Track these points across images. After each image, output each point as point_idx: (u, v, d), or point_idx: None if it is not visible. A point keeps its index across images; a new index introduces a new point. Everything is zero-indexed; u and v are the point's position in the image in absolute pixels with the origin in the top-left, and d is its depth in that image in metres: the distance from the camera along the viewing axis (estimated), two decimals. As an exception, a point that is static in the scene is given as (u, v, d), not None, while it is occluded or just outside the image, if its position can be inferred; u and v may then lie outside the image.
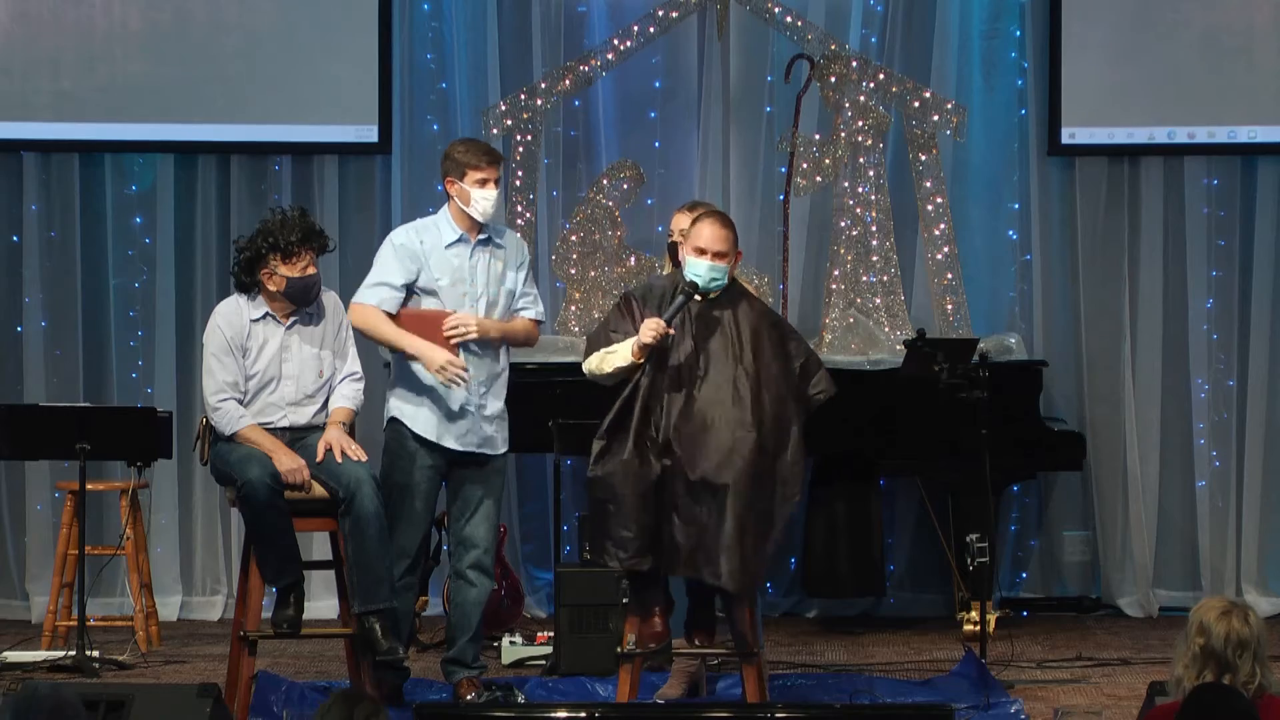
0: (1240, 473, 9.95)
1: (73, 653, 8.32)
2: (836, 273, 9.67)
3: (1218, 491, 9.97)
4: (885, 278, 9.65)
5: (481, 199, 7.56)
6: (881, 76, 9.71)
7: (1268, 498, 9.95)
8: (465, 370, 7.44)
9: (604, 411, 7.17)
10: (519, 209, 9.74)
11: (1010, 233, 10.06)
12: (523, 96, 9.74)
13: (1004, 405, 8.82)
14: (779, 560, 9.58)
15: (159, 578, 9.56)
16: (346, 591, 7.37)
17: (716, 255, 7.04)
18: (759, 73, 10.02)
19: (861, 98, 9.66)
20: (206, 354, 7.43)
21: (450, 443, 7.58)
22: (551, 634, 8.38)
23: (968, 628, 8.61)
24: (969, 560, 8.36)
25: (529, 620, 9.50)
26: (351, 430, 7.49)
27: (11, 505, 9.99)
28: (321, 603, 8.90)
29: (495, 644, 8.55)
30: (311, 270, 7.36)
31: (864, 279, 9.65)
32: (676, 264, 7.42)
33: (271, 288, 7.36)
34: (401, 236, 7.67)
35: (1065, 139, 9.91)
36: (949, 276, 9.68)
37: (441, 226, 7.66)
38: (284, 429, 7.39)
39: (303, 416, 7.41)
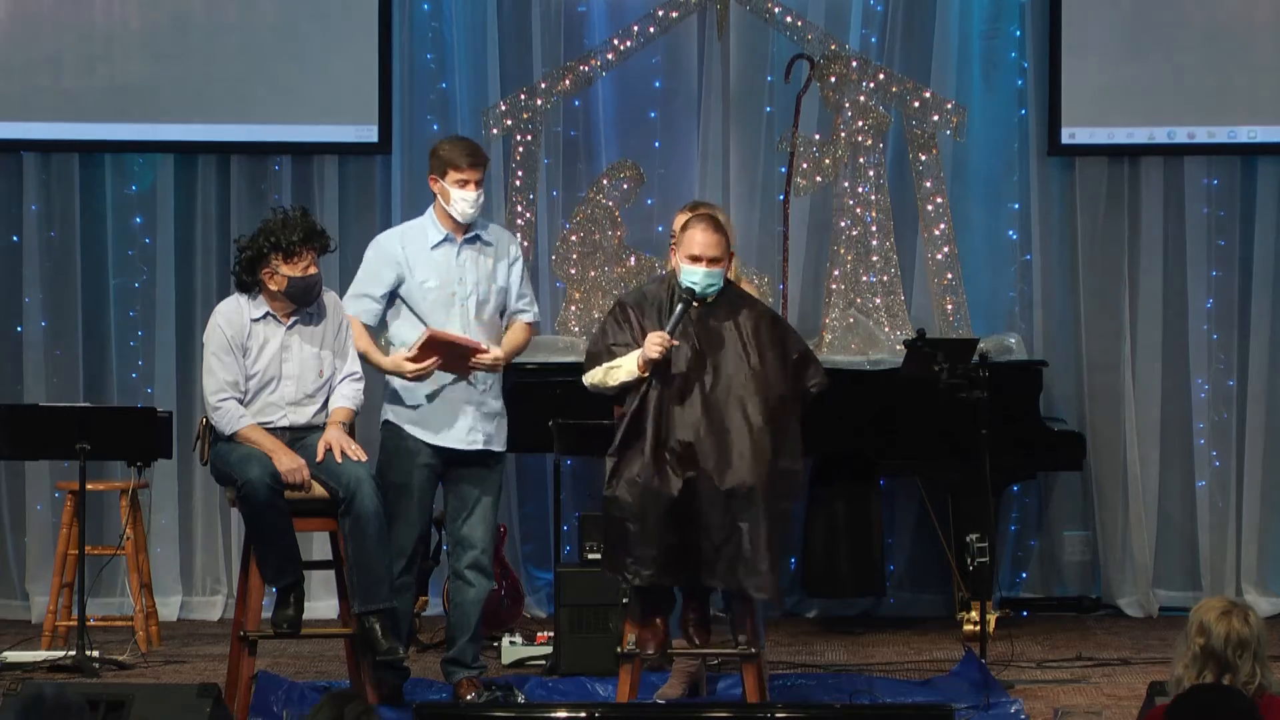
0: (1240, 473, 9.95)
1: (73, 653, 8.32)
2: (836, 273, 9.67)
3: (1218, 491, 9.97)
4: (885, 278, 9.65)
5: (460, 200, 7.56)
6: (881, 76, 9.71)
7: (1268, 498, 9.95)
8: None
9: (604, 412, 7.17)
10: (519, 209, 9.75)
11: (1010, 233, 10.05)
12: (523, 96, 9.74)
13: (1004, 405, 8.82)
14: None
15: (159, 578, 9.56)
16: (346, 591, 7.37)
17: (711, 261, 7.02)
18: (759, 73, 10.02)
19: (861, 98, 9.66)
20: (207, 353, 7.43)
21: (448, 442, 7.58)
22: (551, 634, 8.38)
23: (968, 628, 8.61)
24: (969, 560, 8.36)
25: (529, 620, 9.50)
26: (351, 430, 7.49)
27: (11, 505, 9.99)
28: (321, 603, 8.89)
29: (495, 644, 8.54)
30: (313, 270, 7.36)
31: (864, 279, 9.65)
32: None
33: (273, 287, 7.36)
34: (385, 242, 7.68)
35: (1065, 139, 9.91)
36: (949, 276, 9.68)
37: (427, 227, 7.67)
38: (284, 429, 7.38)
39: (303, 416, 7.41)
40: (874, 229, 9.65)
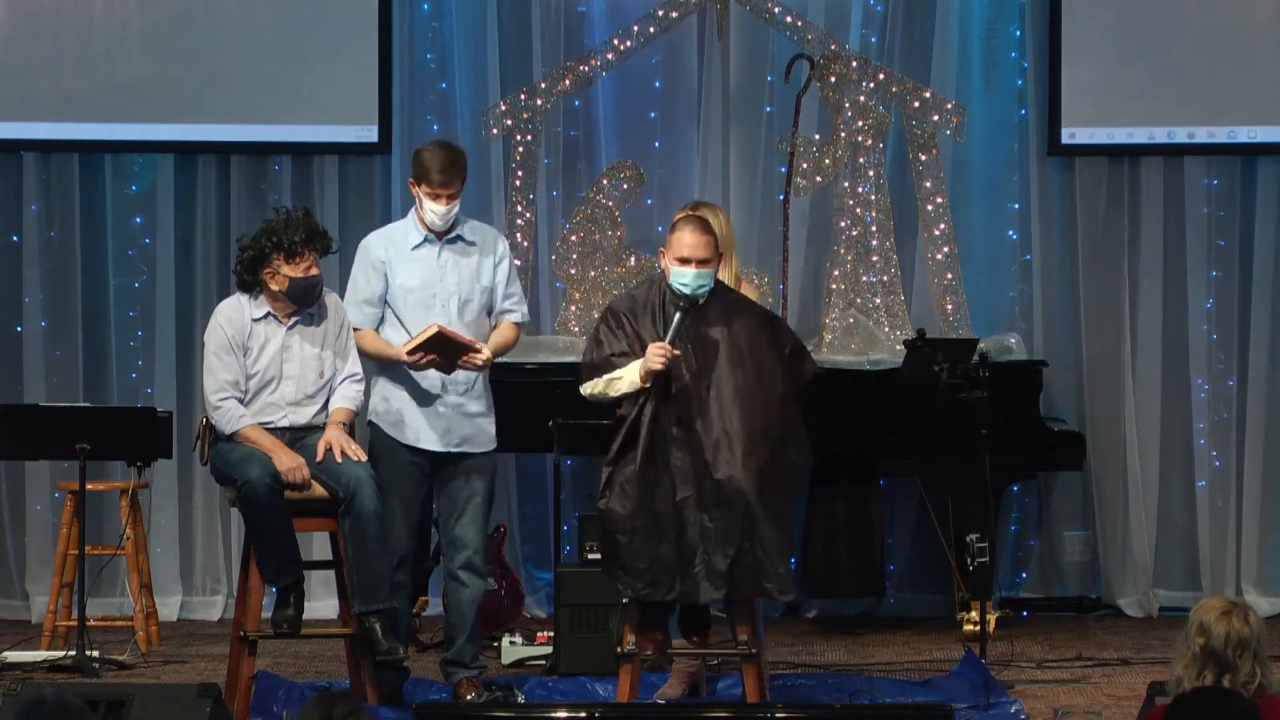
0: (1240, 473, 9.95)
1: (73, 653, 8.31)
2: (836, 273, 9.67)
3: (1218, 491, 9.97)
4: (885, 278, 9.65)
5: (430, 210, 7.57)
6: (881, 76, 9.71)
7: (1268, 498, 9.95)
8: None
9: (604, 412, 7.15)
10: (519, 209, 9.75)
11: (1010, 233, 10.06)
12: (523, 96, 9.74)
13: (1004, 405, 8.82)
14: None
15: (159, 578, 9.56)
16: (346, 591, 7.37)
17: (700, 262, 7.00)
18: (759, 73, 10.02)
19: (861, 98, 9.66)
20: (207, 352, 7.43)
21: (425, 444, 7.58)
22: (551, 634, 8.38)
23: (968, 628, 8.61)
24: (969, 560, 8.36)
25: (529, 620, 9.50)
26: (351, 430, 7.49)
27: (11, 505, 9.99)
28: (321, 603, 8.89)
29: (495, 644, 8.54)
30: (314, 271, 7.36)
31: (864, 279, 9.65)
32: None
33: (274, 287, 7.36)
34: (368, 246, 7.67)
35: (1065, 139, 9.91)
36: (949, 276, 9.68)
37: (408, 229, 7.67)
38: (284, 429, 7.38)
39: (303, 416, 7.41)
40: (874, 229, 9.65)
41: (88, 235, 9.99)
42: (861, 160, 9.65)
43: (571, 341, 9.46)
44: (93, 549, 8.85)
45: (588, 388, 7.06)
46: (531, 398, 8.85)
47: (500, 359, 9.11)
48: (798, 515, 7.11)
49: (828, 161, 9.66)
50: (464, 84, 10.02)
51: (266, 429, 7.33)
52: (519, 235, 9.71)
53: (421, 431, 7.58)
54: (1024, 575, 10.02)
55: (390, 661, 7.40)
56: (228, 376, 7.35)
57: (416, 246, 7.62)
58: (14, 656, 8.47)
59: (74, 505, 8.69)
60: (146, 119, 9.91)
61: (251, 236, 7.43)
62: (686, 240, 6.99)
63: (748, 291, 7.53)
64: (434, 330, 7.43)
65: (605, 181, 9.78)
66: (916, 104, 9.67)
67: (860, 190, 9.65)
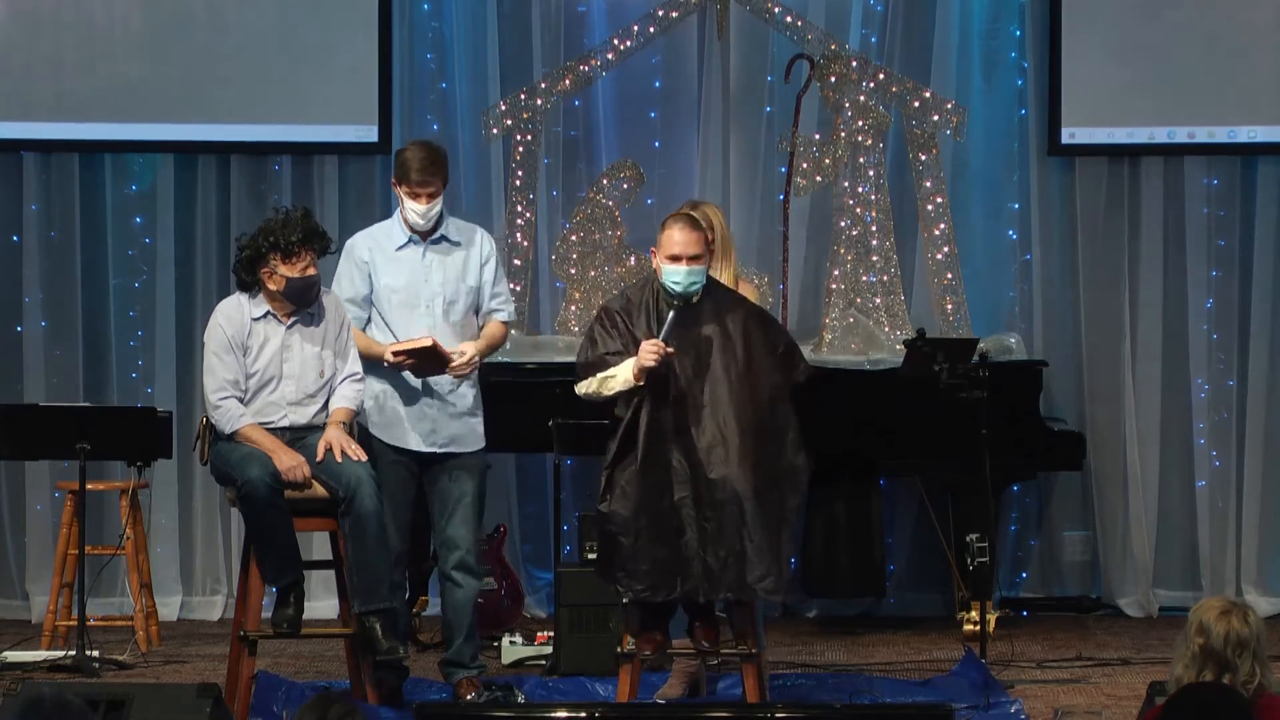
0: (1240, 473, 9.95)
1: (73, 653, 8.31)
2: (836, 273, 9.67)
3: (1218, 491, 9.97)
4: (885, 278, 9.65)
5: (410, 210, 7.58)
6: (881, 76, 9.71)
7: (1268, 498, 9.95)
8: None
9: (604, 412, 7.15)
10: (519, 209, 9.75)
11: (1010, 233, 10.06)
12: (523, 96, 9.74)
13: (1004, 405, 8.81)
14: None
15: (159, 578, 9.56)
16: (346, 591, 7.37)
17: (691, 259, 7.00)
18: (759, 73, 10.02)
19: (861, 98, 9.66)
20: (207, 352, 7.43)
21: (414, 444, 7.58)
22: (551, 634, 8.37)
23: (968, 628, 8.61)
24: (969, 560, 8.36)
25: (529, 620, 9.50)
26: (351, 430, 7.49)
27: (11, 505, 9.99)
28: (321, 603, 8.89)
29: (495, 644, 8.54)
30: (311, 271, 7.35)
31: (864, 279, 9.65)
32: None
33: (272, 287, 7.35)
34: (352, 246, 7.67)
35: (1065, 139, 9.91)
36: (949, 276, 9.68)
37: (393, 229, 7.68)
38: (284, 429, 7.38)
39: (303, 416, 7.40)
40: (874, 229, 9.65)
41: (88, 235, 9.99)
42: (861, 160, 9.65)
43: (571, 341, 9.45)
44: (93, 549, 8.86)
45: (582, 387, 7.07)
46: (531, 398, 8.85)
47: (501, 359, 9.15)
48: (798, 515, 7.07)
49: (828, 161, 9.66)
50: (464, 84, 10.02)
51: (267, 429, 7.33)
52: (519, 235, 9.72)
53: (407, 432, 7.58)
54: (1024, 575, 10.02)
55: (390, 661, 7.40)
56: (227, 376, 7.34)
57: (401, 247, 7.63)
58: (14, 656, 8.47)
59: (74, 505, 8.69)
60: (146, 119, 9.91)
61: (250, 236, 7.43)
62: (676, 237, 6.99)
63: (746, 291, 7.52)
64: (428, 342, 7.43)
65: (605, 181, 9.78)
66: (916, 104, 9.67)
67: (860, 190, 9.65)
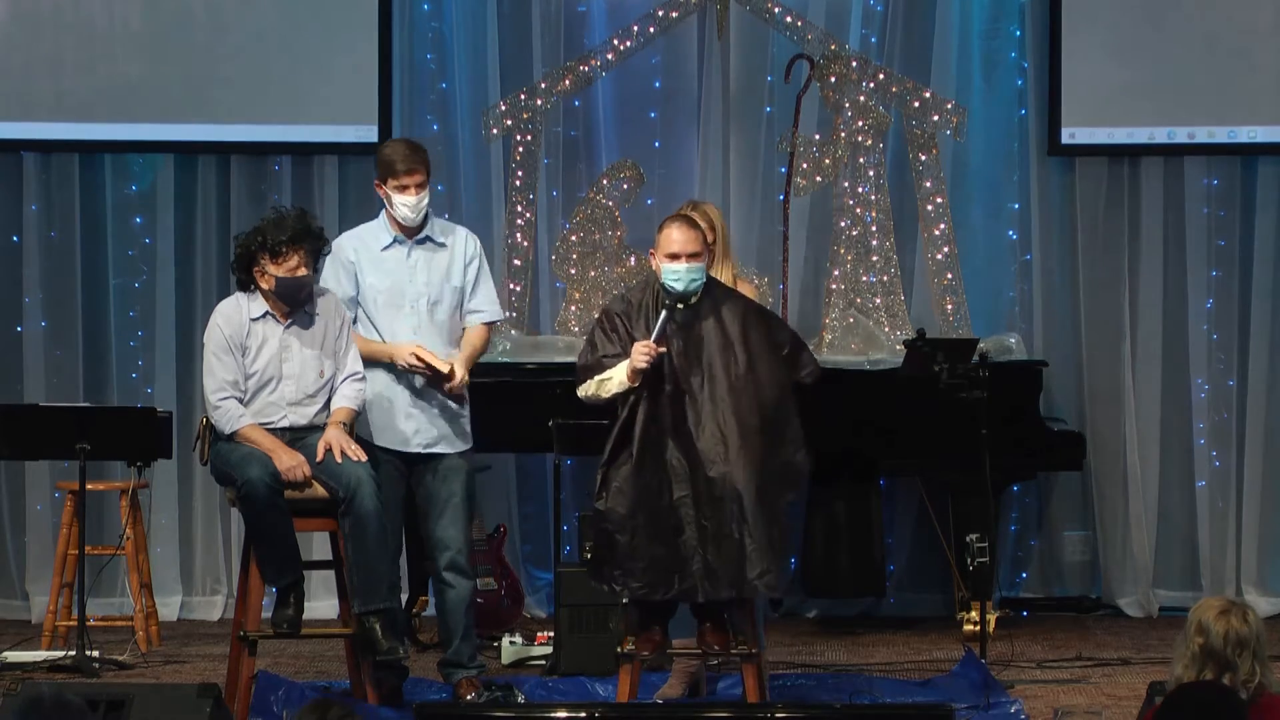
0: (1240, 473, 9.95)
1: (73, 653, 8.31)
2: (836, 273, 9.67)
3: (1218, 491, 9.97)
4: (885, 278, 9.65)
5: (400, 205, 7.56)
6: (881, 76, 9.71)
7: (1268, 498, 9.95)
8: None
9: (603, 412, 7.15)
10: (519, 209, 9.75)
11: (1010, 233, 10.06)
12: (523, 96, 9.74)
13: (1004, 405, 8.81)
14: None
15: (159, 578, 9.56)
16: (346, 591, 7.37)
17: (690, 257, 7.00)
18: (759, 73, 10.02)
19: (861, 98, 9.66)
20: (207, 352, 7.43)
21: (399, 444, 7.57)
22: (551, 634, 8.37)
23: (968, 628, 8.61)
24: (969, 560, 8.36)
25: (529, 620, 9.50)
26: (352, 430, 7.48)
27: (11, 505, 9.99)
28: (321, 603, 8.88)
29: (495, 644, 8.54)
30: (302, 271, 7.32)
31: (864, 279, 9.65)
32: None
33: (264, 287, 7.35)
34: (337, 247, 7.65)
35: (1065, 139, 9.91)
36: (949, 276, 9.68)
37: (379, 230, 7.67)
38: (284, 429, 7.38)
39: (303, 417, 7.40)
40: (874, 229, 9.65)
41: (88, 235, 9.99)
42: (861, 160, 9.65)
43: (571, 341, 9.45)
44: (93, 549, 8.85)
45: (582, 390, 7.08)
46: (531, 398, 8.85)
47: (501, 359, 9.16)
48: (798, 515, 7.07)
49: (828, 161, 9.66)
50: (464, 84, 10.02)
51: (267, 429, 7.33)
52: (519, 235, 9.72)
53: (392, 432, 7.58)
54: (1024, 575, 10.02)
55: (390, 661, 7.40)
56: (227, 376, 7.34)
57: (386, 247, 7.63)
58: (14, 656, 8.47)
59: (74, 505, 8.69)
60: (146, 119, 9.91)
61: (244, 235, 7.43)
62: (674, 236, 7.00)
63: (746, 291, 7.51)
64: (446, 368, 7.44)
65: (605, 181, 9.78)
66: (916, 104, 9.67)
67: (860, 190, 9.65)
